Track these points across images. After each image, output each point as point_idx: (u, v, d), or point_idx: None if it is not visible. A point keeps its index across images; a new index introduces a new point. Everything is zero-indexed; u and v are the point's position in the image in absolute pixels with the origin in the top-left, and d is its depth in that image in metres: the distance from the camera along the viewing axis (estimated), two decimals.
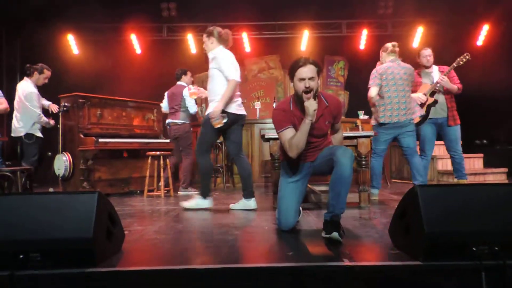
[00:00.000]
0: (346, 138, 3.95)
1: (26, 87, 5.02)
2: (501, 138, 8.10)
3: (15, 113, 5.03)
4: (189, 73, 5.82)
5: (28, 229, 1.97)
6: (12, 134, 5.06)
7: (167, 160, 5.24)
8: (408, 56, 7.97)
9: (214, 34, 3.92)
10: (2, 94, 4.94)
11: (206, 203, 3.95)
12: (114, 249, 2.22)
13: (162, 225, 3.10)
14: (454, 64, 4.52)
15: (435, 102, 4.62)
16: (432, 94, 4.61)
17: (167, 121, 5.61)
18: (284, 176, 2.88)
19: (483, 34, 8.14)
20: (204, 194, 3.94)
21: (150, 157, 5.15)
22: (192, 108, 5.45)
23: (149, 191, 5.20)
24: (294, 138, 2.63)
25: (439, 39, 7.79)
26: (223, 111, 3.76)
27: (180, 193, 5.35)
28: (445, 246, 1.90)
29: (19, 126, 4.98)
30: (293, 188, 2.80)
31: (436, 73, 4.67)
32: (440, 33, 8.06)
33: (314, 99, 2.61)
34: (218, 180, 6.41)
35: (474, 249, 1.88)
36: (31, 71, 5.09)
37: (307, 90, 2.60)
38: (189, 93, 5.33)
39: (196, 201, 3.95)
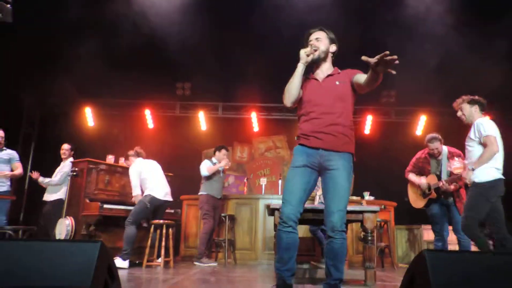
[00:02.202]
0: (350, 212, 3.92)
1: None
2: None
3: None
4: (223, 150, 6.17)
5: (20, 275, 1.91)
6: None
7: (170, 230, 5.15)
8: (413, 143, 8.25)
9: (129, 155, 5.38)
10: (18, 159, 5.24)
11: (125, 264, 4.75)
12: None
13: None
14: (459, 175, 4.02)
15: (438, 198, 4.48)
16: (436, 190, 4.46)
17: None
18: (292, 163, 2.61)
19: None
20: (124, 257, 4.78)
21: (152, 226, 5.08)
22: (202, 172, 5.88)
23: (148, 261, 5.04)
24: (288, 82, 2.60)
25: (441, 127, 8.01)
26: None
27: (195, 263, 5.55)
28: None
29: None
30: (297, 173, 2.51)
31: (444, 159, 4.52)
32: (442, 122, 8.33)
33: (322, 59, 2.65)
34: (219, 255, 6.23)
35: None
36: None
37: (314, 48, 2.61)
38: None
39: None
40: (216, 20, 6.94)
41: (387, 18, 6.83)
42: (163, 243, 5.01)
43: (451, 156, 4.49)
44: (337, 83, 2.60)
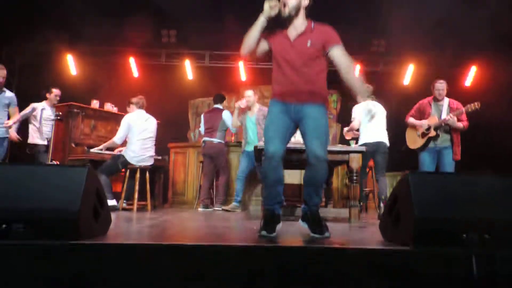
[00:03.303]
0: (337, 153, 3.99)
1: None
2: None
3: None
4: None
5: (12, 198, 1.92)
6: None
7: (146, 174, 5.06)
8: (400, 92, 8.28)
9: (131, 102, 5.33)
10: (16, 103, 5.05)
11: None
12: (100, 230, 2.17)
13: (148, 224, 3.04)
14: (463, 109, 4.54)
15: (437, 136, 4.69)
16: (436, 128, 4.68)
17: (204, 139, 5.79)
18: (269, 113, 2.64)
19: (471, 75, 8.42)
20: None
21: (128, 170, 4.97)
22: (233, 129, 5.83)
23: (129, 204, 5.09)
24: None
25: (428, 78, 7.97)
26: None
27: (215, 208, 5.61)
28: (435, 232, 1.90)
29: None
30: (277, 117, 2.55)
31: (445, 106, 4.71)
32: (429, 72, 8.29)
33: (294, 15, 2.53)
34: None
35: (464, 236, 1.88)
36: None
37: (284, 3, 2.50)
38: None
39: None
40: None
41: None
42: (136, 187, 4.91)
43: (452, 104, 4.71)
44: (308, 44, 2.51)
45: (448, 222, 1.90)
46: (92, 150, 4.99)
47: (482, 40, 7.52)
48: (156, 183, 5.90)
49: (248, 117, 5.50)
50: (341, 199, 6.51)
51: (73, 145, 4.99)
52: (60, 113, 5.09)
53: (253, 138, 5.39)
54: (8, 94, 5.00)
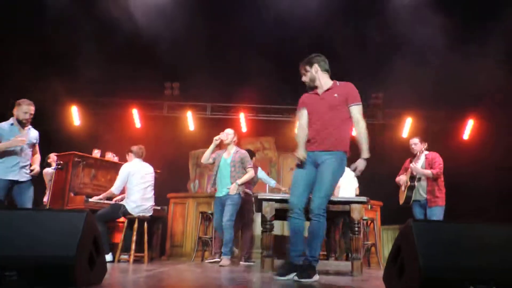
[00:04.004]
0: (338, 203, 3.95)
1: None
2: None
3: None
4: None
5: (5, 244, 1.88)
6: None
7: (144, 224, 4.98)
8: (399, 145, 8.33)
9: (131, 151, 5.20)
10: (38, 140, 4.57)
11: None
12: (95, 279, 2.10)
13: (144, 275, 2.94)
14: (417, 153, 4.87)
15: (412, 186, 4.85)
16: (411, 179, 4.85)
17: None
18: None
19: (468, 128, 8.53)
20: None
21: (127, 220, 4.90)
22: (270, 182, 6.00)
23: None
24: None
25: (427, 131, 8.11)
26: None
27: (242, 263, 5.44)
28: (441, 282, 1.84)
29: None
30: (301, 172, 3.02)
31: (422, 159, 4.88)
32: (427, 125, 8.42)
33: (314, 85, 3.12)
34: (206, 253, 6.15)
35: (471, 287, 1.82)
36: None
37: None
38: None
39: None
40: (205, 20, 6.96)
41: (376, 21, 6.94)
42: (134, 238, 4.78)
43: (428, 156, 4.88)
44: (335, 95, 3.01)
45: (453, 272, 1.85)
46: (91, 199, 4.95)
47: (478, 94, 7.73)
48: (154, 234, 5.79)
49: (223, 158, 5.23)
50: (341, 253, 6.33)
51: (72, 194, 4.96)
52: (62, 162, 5.12)
53: (227, 181, 5.05)
54: (34, 132, 4.49)
